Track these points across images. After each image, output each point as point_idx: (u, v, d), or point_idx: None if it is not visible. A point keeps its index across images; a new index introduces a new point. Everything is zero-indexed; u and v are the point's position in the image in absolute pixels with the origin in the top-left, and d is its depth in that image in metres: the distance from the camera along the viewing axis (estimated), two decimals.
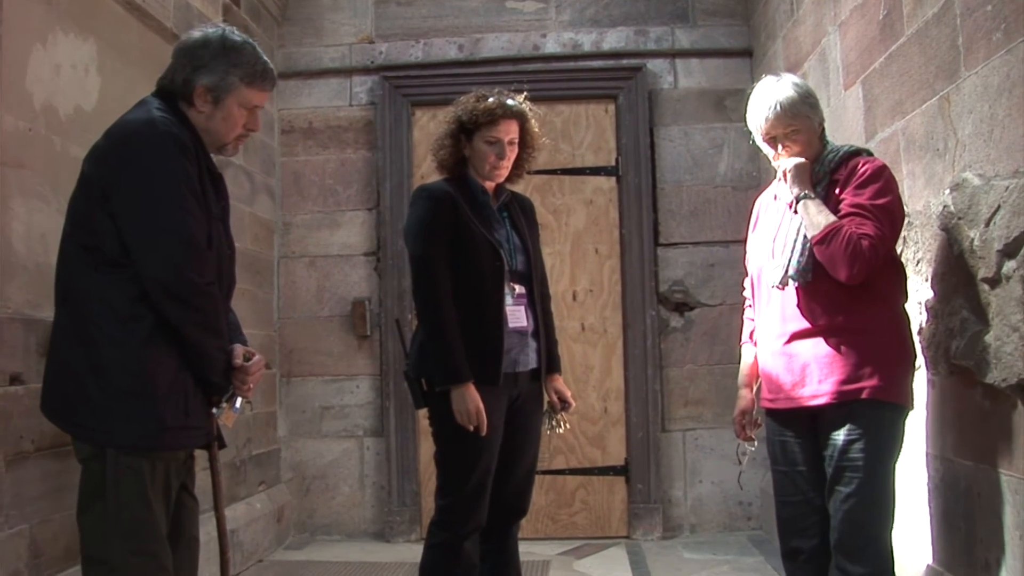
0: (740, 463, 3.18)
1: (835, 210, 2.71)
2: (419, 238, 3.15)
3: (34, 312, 3.12)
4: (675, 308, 5.55)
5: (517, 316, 3.19)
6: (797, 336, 2.79)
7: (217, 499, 2.78)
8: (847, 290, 2.69)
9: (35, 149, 3.23)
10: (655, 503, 5.41)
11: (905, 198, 3.20)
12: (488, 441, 3.08)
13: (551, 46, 5.73)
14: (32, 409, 3.01)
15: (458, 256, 3.12)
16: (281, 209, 5.73)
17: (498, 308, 3.13)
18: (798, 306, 2.79)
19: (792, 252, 2.77)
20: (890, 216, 2.69)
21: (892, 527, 2.71)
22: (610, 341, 5.55)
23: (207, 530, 2.97)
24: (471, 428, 3.04)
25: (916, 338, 2.91)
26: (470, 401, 3.02)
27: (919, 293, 3.10)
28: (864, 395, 2.67)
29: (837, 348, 2.71)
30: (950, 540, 2.94)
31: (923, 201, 3.08)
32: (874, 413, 2.67)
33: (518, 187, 3.58)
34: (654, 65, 5.66)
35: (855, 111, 3.75)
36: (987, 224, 2.59)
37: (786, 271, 2.77)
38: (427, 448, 5.50)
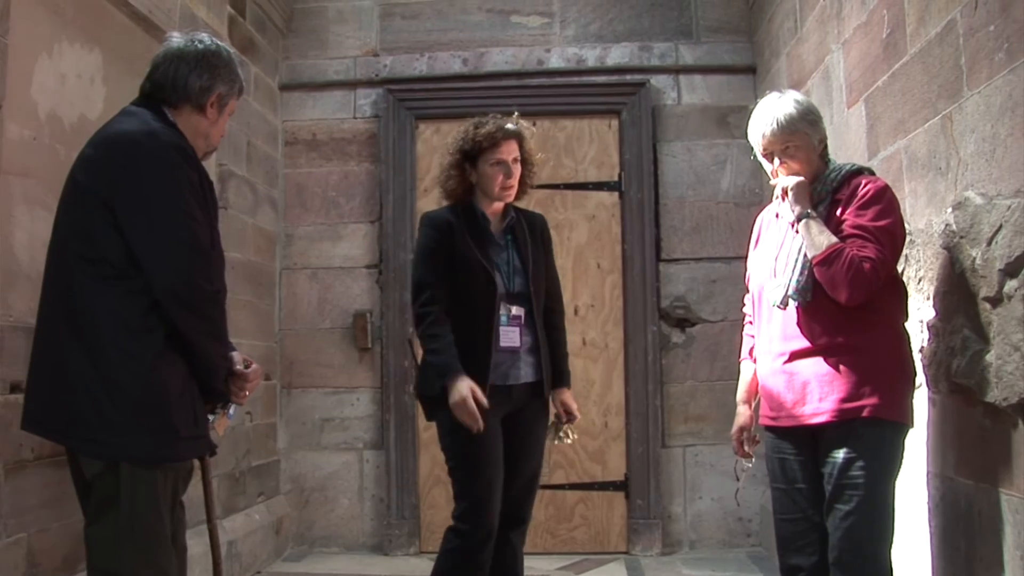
0: (738, 479, 3.19)
1: (836, 230, 2.71)
2: (419, 264, 3.34)
3: (35, 320, 3.12)
4: (676, 324, 5.55)
5: (510, 336, 3.30)
6: (797, 355, 2.80)
7: (209, 509, 2.77)
8: (847, 310, 2.69)
9: (39, 158, 3.24)
10: (655, 519, 5.39)
11: (907, 216, 3.20)
12: (488, 446, 3.19)
13: (555, 61, 5.74)
14: None
15: (454, 280, 3.27)
16: (283, 220, 5.73)
17: (488, 329, 3.26)
18: (798, 325, 2.79)
19: (793, 272, 2.77)
20: (891, 238, 2.70)
21: (891, 545, 2.70)
22: (611, 356, 5.54)
23: (202, 540, 2.96)
24: (468, 422, 3.10)
25: (917, 356, 2.90)
26: (465, 388, 3.10)
27: (920, 311, 3.09)
28: (864, 413, 2.67)
29: (837, 367, 2.72)
30: (950, 559, 2.93)
31: (925, 219, 3.08)
32: (874, 431, 2.68)
33: (522, 203, 3.60)
34: (658, 81, 5.68)
35: (858, 129, 3.75)
36: (989, 243, 2.59)
37: (787, 291, 2.77)
38: (426, 461, 5.51)
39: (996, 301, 2.58)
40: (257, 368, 2.72)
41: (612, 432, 5.50)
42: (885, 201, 2.73)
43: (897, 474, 2.73)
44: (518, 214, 3.50)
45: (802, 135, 2.81)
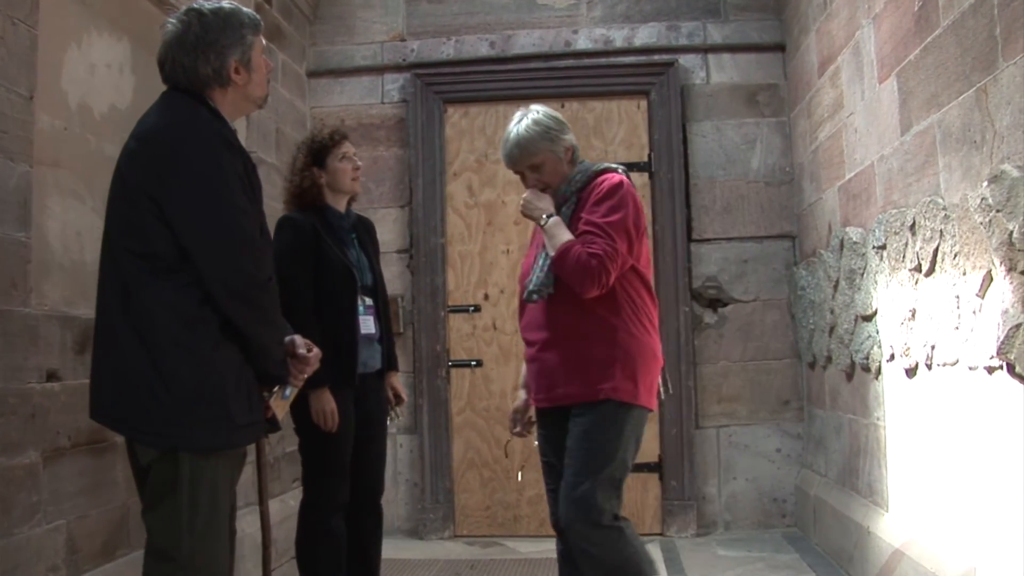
0: (506, 456, 3.39)
1: (577, 227, 2.97)
2: (287, 263, 3.42)
3: (70, 309, 3.16)
4: (708, 304, 5.52)
5: (368, 324, 3.66)
6: (547, 344, 3.06)
7: (262, 492, 2.79)
8: (583, 302, 2.94)
9: (71, 148, 3.26)
10: (689, 500, 5.39)
11: (941, 191, 3.17)
12: (344, 431, 3.53)
13: (583, 42, 5.72)
14: (69, 406, 3.05)
15: (319, 277, 3.54)
16: None
17: (352, 319, 3.58)
18: (545, 317, 3.07)
19: (538, 270, 3.04)
20: (621, 231, 2.92)
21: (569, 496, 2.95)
22: None
23: (241, 526, 2.98)
24: (325, 428, 3.46)
25: (932, 331, 2.86)
26: (326, 403, 3.45)
27: (956, 287, 3.06)
28: (586, 397, 2.96)
29: (566, 355, 3.01)
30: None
31: (960, 194, 3.04)
32: (586, 408, 2.97)
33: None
34: (686, 60, 5.64)
35: (890, 104, 3.71)
36: None
37: (532, 287, 3.04)
38: (460, 446, 5.52)
39: None
40: (317, 352, 2.72)
41: None
42: (617, 197, 2.96)
43: (620, 443, 2.96)
44: (357, 216, 3.88)
45: (544, 152, 3.09)
